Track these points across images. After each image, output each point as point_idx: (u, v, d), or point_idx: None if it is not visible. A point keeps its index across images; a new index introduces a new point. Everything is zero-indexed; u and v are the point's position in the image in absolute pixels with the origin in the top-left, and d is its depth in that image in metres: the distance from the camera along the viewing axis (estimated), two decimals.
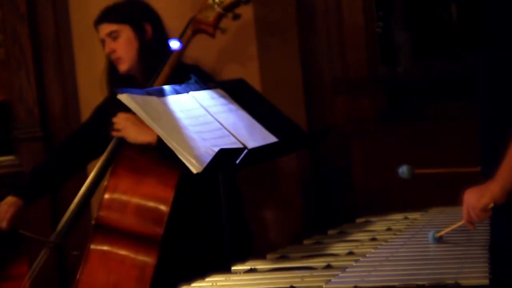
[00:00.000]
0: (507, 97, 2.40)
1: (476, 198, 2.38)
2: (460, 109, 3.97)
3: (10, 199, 3.38)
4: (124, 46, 3.37)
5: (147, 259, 3.07)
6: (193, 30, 3.38)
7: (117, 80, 3.41)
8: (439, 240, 2.58)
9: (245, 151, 2.88)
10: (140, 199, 3.12)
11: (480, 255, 2.40)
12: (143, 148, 3.14)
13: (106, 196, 3.14)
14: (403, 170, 3.01)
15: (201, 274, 2.48)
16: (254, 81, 3.62)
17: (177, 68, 3.32)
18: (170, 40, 3.36)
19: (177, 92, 3.07)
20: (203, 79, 3.23)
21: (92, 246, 3.12)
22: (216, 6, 3.35)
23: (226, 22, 3.42)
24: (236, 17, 3.40)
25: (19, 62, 4.23)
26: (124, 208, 3.12)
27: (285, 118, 3.26)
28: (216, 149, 2.77)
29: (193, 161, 2.78)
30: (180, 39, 3.36)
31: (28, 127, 4.21)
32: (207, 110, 3.04)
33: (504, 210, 2.38)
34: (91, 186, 3.33)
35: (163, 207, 3.10)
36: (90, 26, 3.86)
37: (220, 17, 3.37)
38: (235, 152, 2.86)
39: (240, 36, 3.81)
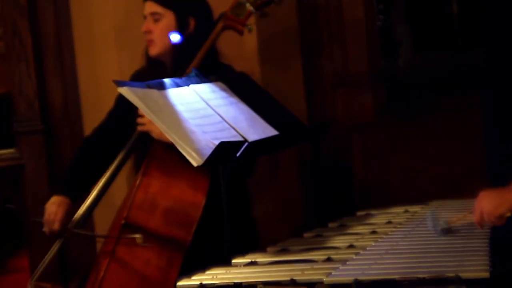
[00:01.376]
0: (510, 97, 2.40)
1: (493, 206, 2.37)
2: (460, 103, 3.97)
3: (56, 199, 3.32)
4: (161, 31, 3.34)
5: (172, 262, 3.04)
6: (223, 26, 3.36)
7: (152, 64, 3.39)
8: (446, 232, 2.58)
9: (246, 144, 2.88)
10: (171, 201, 3.08)
11: (481, 248, 2.40)
12: (173, 149, 3.10)
13: (138, 195, 3.08)
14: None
15: (202, 267, 2.48)
16: (255, 75, 3.61)
17: (210, 64, 3.29)
18: (171, 32, 3.35)
19: (178, 85, 3.07)
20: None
21: (119, 245, 3.09)
22: (248, 4, 3.34)
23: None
24: (264, 15, 3.40)
25: (19, 55, 4.22)
26: (154, 210, 3.06)
27: (286, 111, 3.25)
28: (217, 142, 2.77)
29: (194, 154, 2.78)
30: (209, 34, 3.35)
31: (28, 120, 4.21)
32: (207, 103, 3.03)
33: None
34: (110, 178, 3.30)
35: (193, 212, 3.06)
36: (91, 18, 3.87)
37: (250, 15, 3.36)
38: (235, 145, 2.86)
39: None
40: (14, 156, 4.25)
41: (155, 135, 3.14)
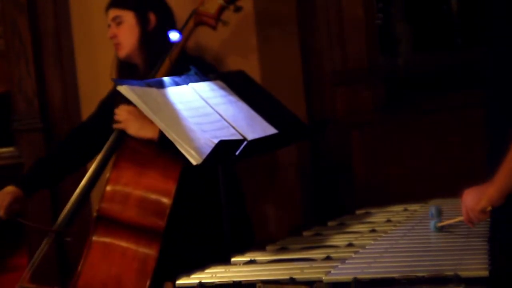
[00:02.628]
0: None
1: (474, 201, 2.40)
2: (459, 101, 3.97)
3: (9, 188, 3.37)
4: (125, 32, 3.39)
5: (148, 251, 3.07)
6: (195, 22, 3.39)
7: (123, 69, 3.42)
8: (440, 229, 2.59)
9: (245, 142, 2.88)
10: (142, 191, 3.12)
11: (480, 246, 2.40)
12: (144, 142, 3.14)
13: (109, 188, 3.14)
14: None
15: (201, 266, 2.48)
16: (254, 73, 3.61)
17: (180, 59, 3.32)
18: (170, 31, 3.36)
19: (177, 84, 3.07)
20: (206, 70, 3.23)
21: (94, 238, 3.12)
22: None
23: (226, 14, 3.42)
24: (238, 9, 3.40)
25: (18, 53, 4.23)
26: (126, 200, 3.12)
27: (285, 110, 3.25)
28: (216, 141, 2.77)
29: (193, 152, 2.78)
30: (181, 31, 3.37)
31: (28, 118, 4.21)
32: (206, 102, 3.04)
33: (503, 203, 2.38)
34: (93, 177, 3.33)
35: (165, 200, 3.10)
36: (90, 16, 3.86)
37: (222, 9, 3.37)
38: (234, 143, 2.86)
39: (240, 28, 3.80)
40: (13, 154, 4.26)
41: (131, 132, 3.17)
